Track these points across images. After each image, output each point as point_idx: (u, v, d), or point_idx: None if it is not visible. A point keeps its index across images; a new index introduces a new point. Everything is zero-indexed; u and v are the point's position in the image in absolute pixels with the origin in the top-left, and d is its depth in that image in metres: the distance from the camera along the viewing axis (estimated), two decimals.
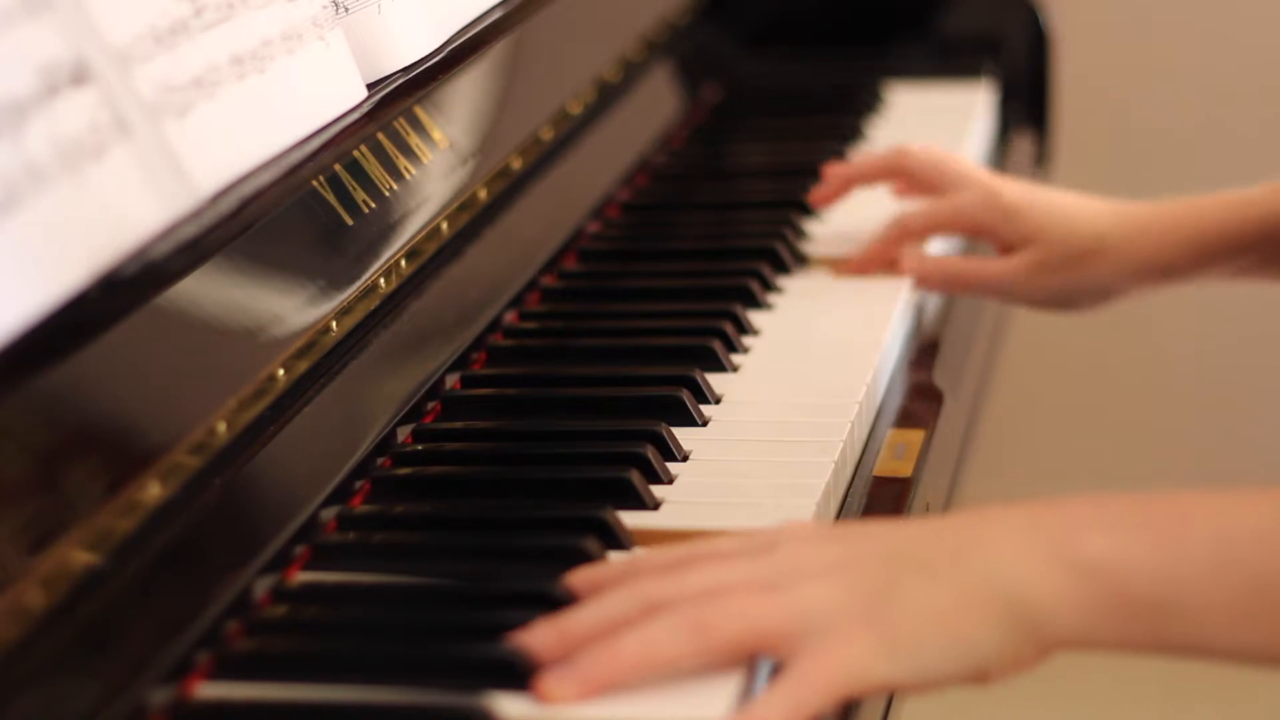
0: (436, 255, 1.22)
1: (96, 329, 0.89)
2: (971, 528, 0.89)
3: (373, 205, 1.16)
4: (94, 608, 0.83)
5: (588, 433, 1.13)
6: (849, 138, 1.72)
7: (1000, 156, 1.80)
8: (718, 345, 1.23)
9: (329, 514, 1.02)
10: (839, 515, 1.09)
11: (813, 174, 1.59)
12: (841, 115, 1.77)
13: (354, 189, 1.15)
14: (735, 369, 1.23)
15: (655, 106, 1.70)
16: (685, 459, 1.10)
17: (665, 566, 0.89)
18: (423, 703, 0.85)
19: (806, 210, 1.52)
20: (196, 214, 0.97)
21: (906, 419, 1.23)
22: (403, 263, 1.17)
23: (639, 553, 0.98)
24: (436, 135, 1.26)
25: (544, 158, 1.41)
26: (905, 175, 1.43)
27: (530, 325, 1.30)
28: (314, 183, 1.11)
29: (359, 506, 1.05)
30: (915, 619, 0.85)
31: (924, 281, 1.38)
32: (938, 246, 1.45)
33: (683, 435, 1.12)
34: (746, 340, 1.27)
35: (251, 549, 0.94)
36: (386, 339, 1.13)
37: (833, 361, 1.24)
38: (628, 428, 1.11)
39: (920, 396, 1.27)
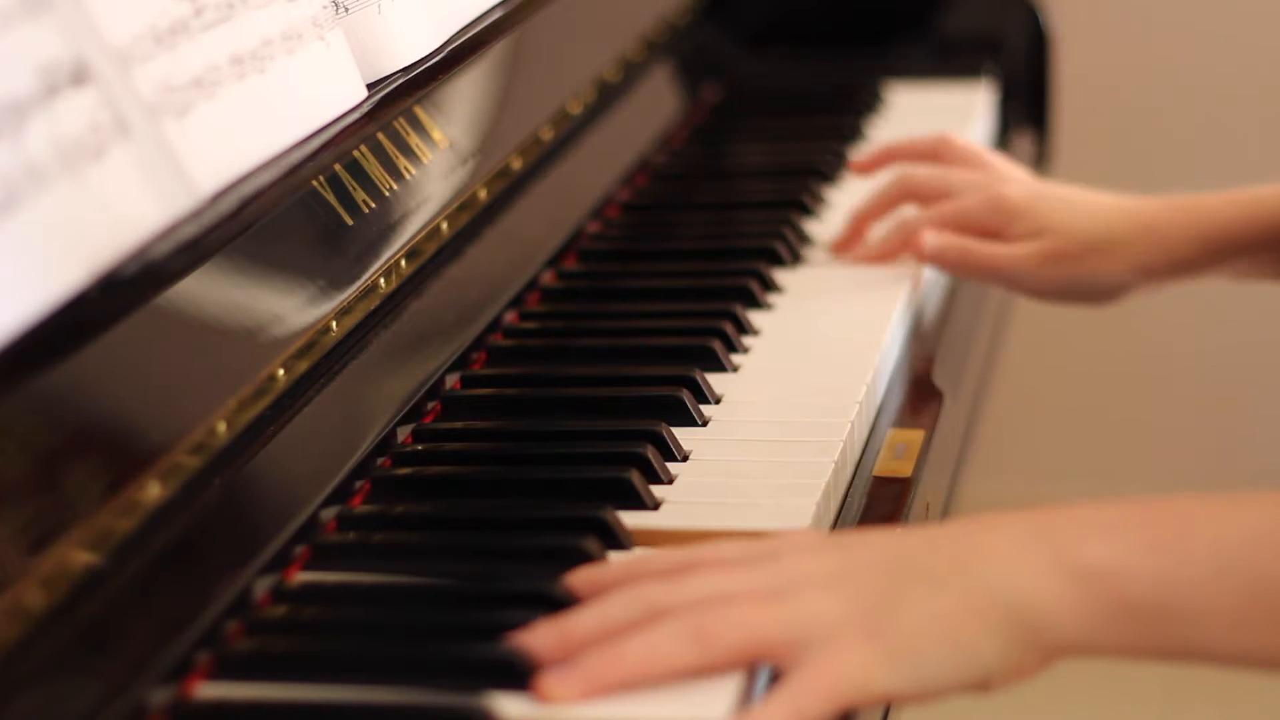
0: (436, 255, 1.22)
1: (96, 329, 0.89)
2: (971, 536, 0.88)
3: (373, 205, 1.16)
4: (94, 608, 0.83)
5: (588, 433, 1.13)
6: (849, 138, 1.72)
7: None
8: (718, 345, 1.23)
9: (329, 514, 1.02)
10: (839, 515, 1.08)
11: (813, 174, 1.59)
12: (841, 115, 1.77)
13: (354, 189, 1.15)
14: (735, 369, 1.23)
15: (655, 106, 1.70)
16: (685, 459, 1.10)
17: (667, 570, 0.89)
18: (423, 703, 0.85)
19: (806, 210, 1.52)
20: (196, 214, 0.97)
21: (906, 419, 1.23)
22: (403, 263, 1.17)
23: (640, 553, 0.99)
24: (436, 135, 1.26)
25: (544, 158, 1.41)
26: (945, 158, 1.44)
27: (530, 325, 1.30)
28: (314, 183, 1.11)
29: (359, 506, 1.05)
30: (916, 628, 0.85)
31: (940, 258, 1.37)
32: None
33: (683, 435, 1.12)
34: (746, 340, 1.27)
35: (251, 549, 0.94)
36: (386, 339, 1.13)
37: (833, 361, 1.24)
38: (628, 428, 1.11)
39: (920, 396, 1.27)
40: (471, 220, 1.28)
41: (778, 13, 1.95)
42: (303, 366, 1.04)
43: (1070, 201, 1.38)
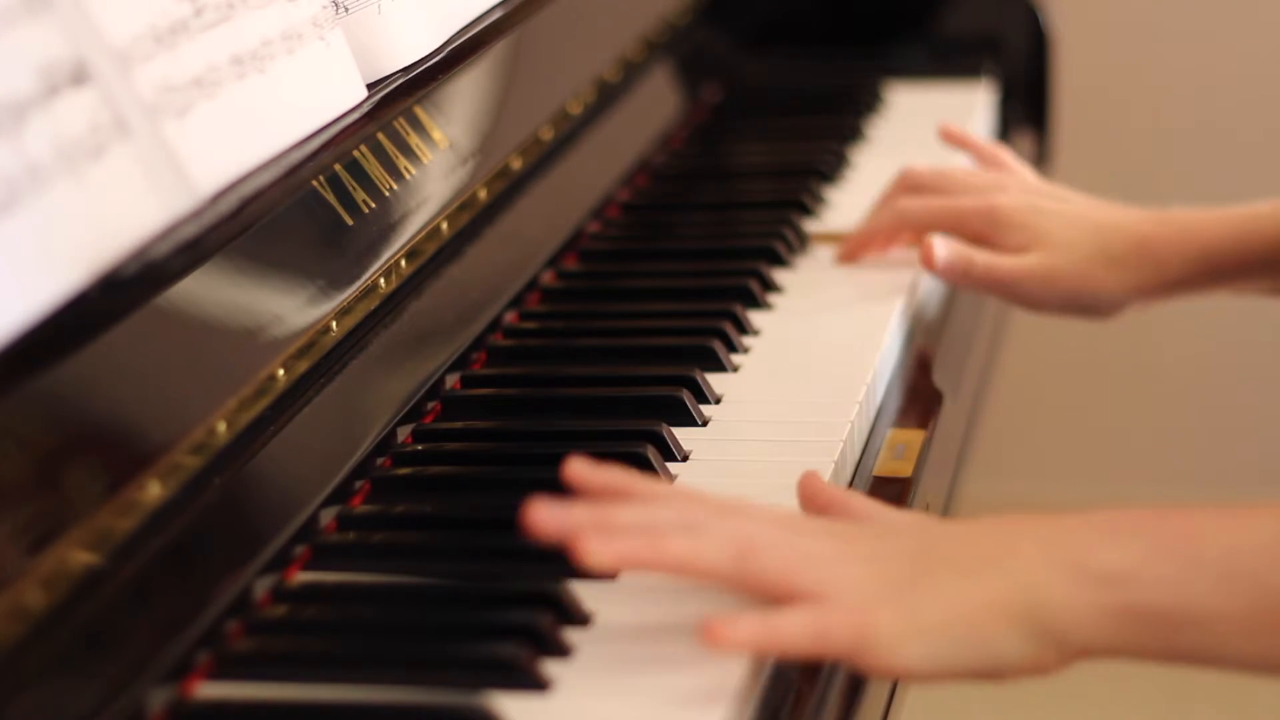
0: (436, 255, 1.22)
1: (96, 329, 0.89)
2: (1000, 534, 0.91)
3: (373, 205, 1.16)
4: (94, 608, 0.83)
5: (588, 433, 1.13)
6: (849, 138, 1.71)
7: None
8: (718, 345, 1.23)
9: (329, 514, 1.02)
10: None
11: (813, 174, 1.59)
12: (841, 115, 1.77)
13: (354, 189, 1.15)
14: (735, 369, 1.23)
15: (655, 106, 1.70)
16: (685, 459, 1.10)
17: (705, 502, 0.92)
18: (423, 703, 0.85)
19: (806, 210, 1.52)
20: (196, 214, 0.97)
21: (906, 419, 1.23)
22: (403, 263, 1.17)
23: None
24: (436, 135, 1.26)
25: (544, 158, 1.41)
26: (914, 189, 1.43)
27: (530, 325, 1.30)
28: (314, 183, 1.11)
29: (359, 506, 1.05)
30: (940, 612, 0.87)
31: (949, 271, 1.35)
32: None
33: (683, 435, 1.12)
34: (746, 340, 1.27)
35: (251, 549, 0.94)
36: (386, 339, 1.13)
37: (833, 361, 1.24)
38: (628, 428, 1.12)
39: (920, 396, 1.27)
40: (471, 220, 1.28)
41: (778, 13, 1.95)
42: (303, 366, 1.04)
43: (1066, 217, 1.37)
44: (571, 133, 1.47)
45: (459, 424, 1.15)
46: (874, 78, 1.87)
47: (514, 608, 0.90)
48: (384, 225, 1.17)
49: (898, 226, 1.40)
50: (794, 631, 0.86)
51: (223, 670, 0.88)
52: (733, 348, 1.25)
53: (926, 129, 1.56)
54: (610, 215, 1.51)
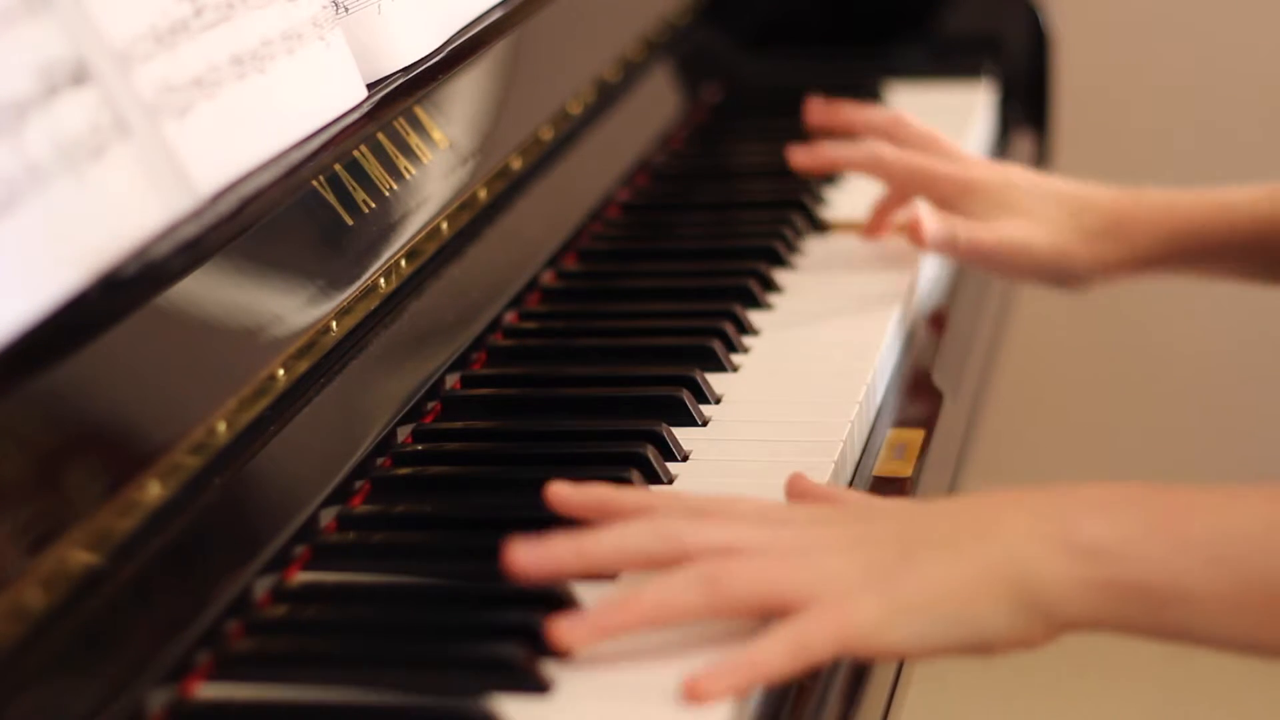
0: (436, 255, 1.22)
1: (96, 329, 0.89)
2: (986, 509, 0.91)
3: (373, 205, 1.16)
4: (94, 608, 0.83)
5: (588, 433, 1.13)
6: (849, 138, 1.71)
7: (1000, 156, 1.79)
8: (718, 345, 1.23)
9: (329, 514, 1.02)
10: None
11: (813, 174, 1.59)
12: None
13: (354, 189, 1.15)
14: (735, 369, 1.23)
15: (655, 106, 1.70)
16: (685, 459, 1.10)
17: (688, 510, 0.92)
18: (423, 703, 0.85)
19: (806, 210, 1.52)
20: (196, 214, 0.97)
21: (906, 419, 1.23)
22: (403, 263, 1.17)
23: (663, 488, 1.03)
24: (436, 135, 1.26)
25: (544, 158, 1.41)
26: (898, 139, 1.43)
27: (530, 325, 1.30)
28: (314, 183, 1.11)
29: (359, 506, 1.05)
30: (927, 590, 0.87)
31: (936, 243, 1.35)
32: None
33: (683, 435, 1.12)
34: (746, 340, 1.28)
35: (251, 549, 0.94)
36: (386, 339, 1.13)
37: (833, 361, 1.24)
38: (628, 428, 1.12)
39: (920, 396, 1.27)
40: (471, 220, 1.28)
41: (778, 13, 1.95)
42: (303, 366, 1.04)
43: (1040, 190, 1.37)
44: (571, 133, 1.47)
45: (459, 424, 1.15)
46: (874, 78, 1.87)
47: (514, 608, 0.90)
48: (384, 225, 1.17)
49: (869, 168, 1.40)
50: (773, 657, 0.86)
51: (223, 670, 0.88)
52: (733, 348, 1.25)
53: None
54: (610, 215, 1.51)
